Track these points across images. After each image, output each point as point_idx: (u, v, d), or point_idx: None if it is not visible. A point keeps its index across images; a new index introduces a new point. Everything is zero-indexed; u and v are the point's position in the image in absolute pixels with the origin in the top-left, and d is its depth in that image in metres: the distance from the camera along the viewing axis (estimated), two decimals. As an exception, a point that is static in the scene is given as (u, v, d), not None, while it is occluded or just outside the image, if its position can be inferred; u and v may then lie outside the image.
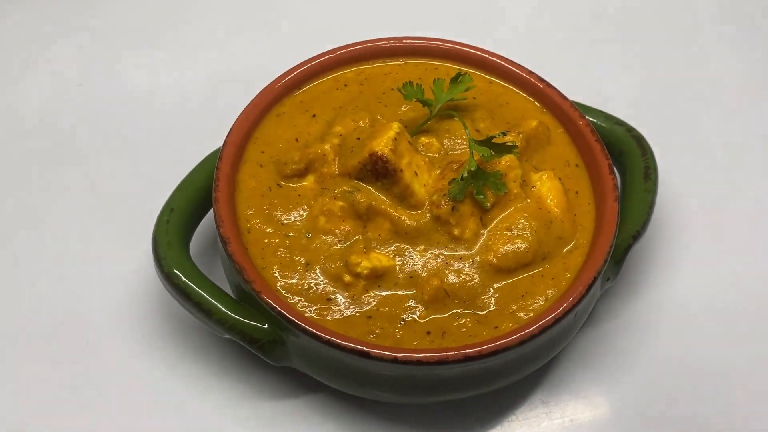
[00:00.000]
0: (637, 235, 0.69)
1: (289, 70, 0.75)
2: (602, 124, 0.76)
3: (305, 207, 0.68)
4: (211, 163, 0.71)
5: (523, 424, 0.69)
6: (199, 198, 0.70)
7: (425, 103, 0.71)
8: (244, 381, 0.70)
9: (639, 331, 0.73)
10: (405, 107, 0.74)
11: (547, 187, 0.69)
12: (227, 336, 0.65)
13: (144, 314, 0.73)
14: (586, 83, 0.88)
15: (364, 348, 0.60)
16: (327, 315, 0.64)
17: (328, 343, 0.60)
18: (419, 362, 0.59)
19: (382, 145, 0.66)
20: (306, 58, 0.76)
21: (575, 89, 0.82)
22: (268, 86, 0.74)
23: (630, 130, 0.76)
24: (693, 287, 0.75)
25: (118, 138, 0.85)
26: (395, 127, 0.67)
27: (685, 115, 0.87)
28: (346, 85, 0.76)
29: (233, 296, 0.67)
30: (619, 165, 0.75)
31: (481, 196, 0.66)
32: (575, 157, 0.73)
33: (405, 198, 0.67)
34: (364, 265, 0.64)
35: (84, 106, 0.87)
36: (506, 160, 0.68)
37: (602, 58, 0.92)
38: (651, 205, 0.71)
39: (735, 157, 0.84)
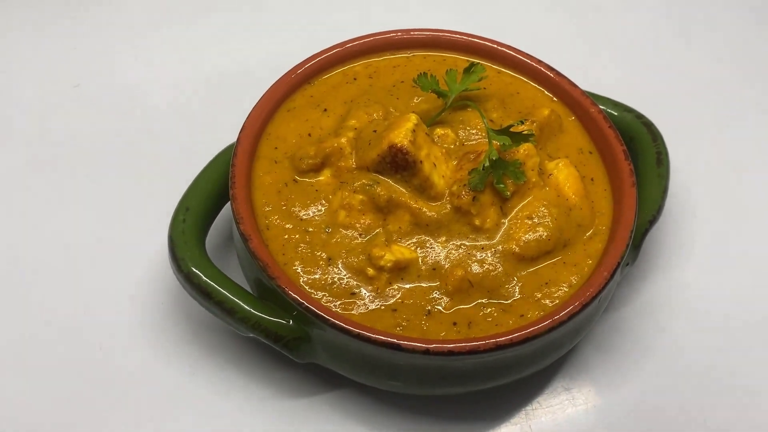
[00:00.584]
0: (653, 220, 0.70)
1: (298, 65, 0.75)
2: (612, 112, 0.77)
3: (323, 202, 0.68)
4: (223, 161, 0.71)
5: (548, 412, 0.69)
6: (213, 196, 0.69)
7: (440, 94, 0.71)
8: (265, 380, 0.69)
9: (655, 316, 0.74)
10: (417, 99, 0.74)
11: (564, 174, 0.69)
12: (250, 335, 0.64)
13: (159, 316, 0.72)
14: (591, 72, 0.88)
15: (395, 340, 0.59)
16: (352, 309, 0.63)
17: (359, 336, 0.60)
18: (451, 353, 0.59)
19: (401, 136, 0.66)
20: (314, 53, 0.76)
21: (581, 78, 0.82)
22: (278, 81, 0.73)
23: (639, 116, 0.76)
24: (707, 270, 0.76)
25: (126, 137, 0.83)
26: (413, 118, 0.67)
27: (691, 101, 0.88)
28: (355, 79, 0.76)
29: (252, 293, 0.67)
30: (631, 151, 0.76)
31: (502, 186, 0.66)
32: (588, 145, 0.73)
33: (425, 190, 0.66)
34: (388, 258, 0.64)
35: (90, 105, 0.86)
36: (524, 149, 0.68)
37: (607, 48, 0.92)
38: (665, 190, 0.72)
39: (742, 141, 0.85)
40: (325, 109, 0.73)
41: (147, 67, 0.89)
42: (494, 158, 0.65)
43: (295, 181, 0.69)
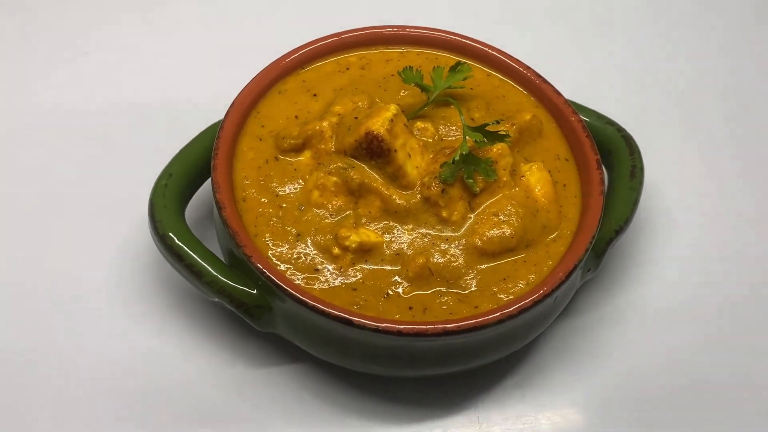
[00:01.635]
0: (619, 230, 0.71)
1: (293, 50, 0.77)
2: (594, 123, 0.78)
3: (300, 181, 0.70)
4: (211, 134, 0.73)
5: (497, 405, 0.70)
6: (197, 166, 0.72)
7: (423, 89, 0.73)
8: (229, 347, 0.72)
9: (616, 325, 0.75)
10: (404, 92, 0.76)
11: (536, 177, 0.71)
12: (216, 299, 0.67)
13: (137, 275, 0.75)
14: (581, 83, 0.90)
15: (347, 316, 0.62)
16: (314, 284, 0.66)
17: (314, 309, 0.62)
18: (400, 333, 0.61)
19: (378, 124, 0.68)
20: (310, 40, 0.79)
21: (573, 89, 0.84)
22: (272, 63, 0.76)
23: (620, 129, 0.78)
24: (673, 286, 0.77)
25: (128, 104, 0.86)
26: (392, 108, 0.69)
27: (680, 120, 0.89)
28: (348, 69, 0.79)
29: (225, 262, 0.69)
30: (608, 163, 0.77)
31: (471, 181, 0.68)
32: (565, 152, 0.75)
33: (397, 178, 0.69)
34: (353, 239, 0.66)
35: (97, 72, 0.89)
36: (498, 148, 0.70)
37: (601, 61, 0.94)
38: (635, 203, 0.73)
39: (723, 162, 0.86)
40: (315, 95, 0.76)
41: (154, 36, 0.92)
42: (465, 153, 0.67)
43: (277, 159, 0.72)
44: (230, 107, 0.73)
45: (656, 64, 0.94)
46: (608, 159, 0.77)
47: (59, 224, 0.78)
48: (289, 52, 0.77)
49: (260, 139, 0.73)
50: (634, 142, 0.77)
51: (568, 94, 0.81)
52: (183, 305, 0.74)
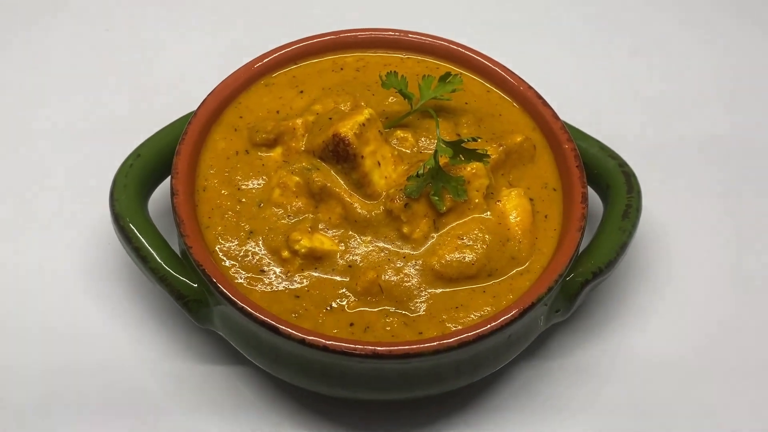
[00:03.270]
0: (598, 273, 0.65)
1: (285, 44, 0.75)
2: (596, 153, 0.72)
3: (265, 177, 0.68)
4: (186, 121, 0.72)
5: (440, 441, 0.66)
6: (167, 151, 0.70)
7: (405, 96, 0.69)
8: (176, 339, 0.70)
9: (588, 375, 0.69)
10: (392, 99, 0.72)
11: (513, 204, 0.66)
12: (158, 286, 0.65)
13: (101, 258, 0.74)
14: (597, 110, 0.84)
15: (273, 323, 0.58)
16: (256, 285, 0.63)
17: (242, 311, 0.59)
18: (326, 348, 0.57)
19: (347, 128, 0.65)
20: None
21: (587, 118, 0.79)
22: (261, 55, 0.74)
23: (622, 165, 0.72)
24: (657, 341, 0.70)
25: (128, 87, 0.86)
26: (366, 113, 0.65)
27: (699, 161, 0.82)
28: (342, 69, 0.75)
29: (178, 253, 0.67)
30: (605, 199, 0.71)
31: (436, 198, 0.64)
32: (555, 181, 0.69)
33: (362, 186, 0.65)
34: (303, 243, 0.63)
35: (113, 49, 0.89)
36: (473, 168, 0.65)
37: (625, 90, 0.87)
38: (623, 246, 0.67)
39: (741, 217, 0.78)
40: (302, 91, 0.73)
41: (171, 29, 0.91)
42: (432, 167, 0.63)
43: (247, 152, 0.69)
44: (208, 95, 0.71)
45: (687, 102, 0.87)
46: (606, 194, 0.71)
47: (33, 201, 0.78)
48: (280, 46, 0.75)
49: (235, 130, 0.71)
50: (636, 181, 0.70)
51: (579, 122, 0.76)
52: (139, 290, 0.72)
